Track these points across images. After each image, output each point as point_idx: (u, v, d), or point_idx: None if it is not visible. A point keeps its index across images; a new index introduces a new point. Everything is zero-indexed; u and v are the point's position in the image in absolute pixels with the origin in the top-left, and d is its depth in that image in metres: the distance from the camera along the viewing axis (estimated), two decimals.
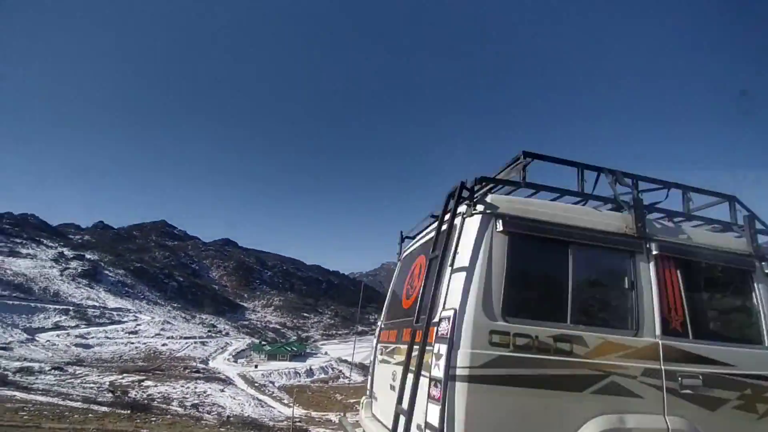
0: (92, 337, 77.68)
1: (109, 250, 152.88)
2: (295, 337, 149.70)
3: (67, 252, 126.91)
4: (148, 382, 48.72)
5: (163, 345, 79.77)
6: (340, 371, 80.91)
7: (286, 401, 57.38)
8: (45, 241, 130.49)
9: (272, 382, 67.96)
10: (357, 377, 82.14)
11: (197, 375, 60.09)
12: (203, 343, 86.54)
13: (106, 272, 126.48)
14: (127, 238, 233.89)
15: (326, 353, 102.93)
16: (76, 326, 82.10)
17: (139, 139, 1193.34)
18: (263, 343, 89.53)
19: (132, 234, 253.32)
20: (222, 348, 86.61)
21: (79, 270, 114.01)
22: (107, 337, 79.37)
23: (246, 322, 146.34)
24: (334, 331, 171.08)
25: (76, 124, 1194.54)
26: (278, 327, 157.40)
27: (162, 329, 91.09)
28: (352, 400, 63.65)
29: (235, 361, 77.93)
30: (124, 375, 51.02)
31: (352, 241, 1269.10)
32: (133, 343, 78.54)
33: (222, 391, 49.94)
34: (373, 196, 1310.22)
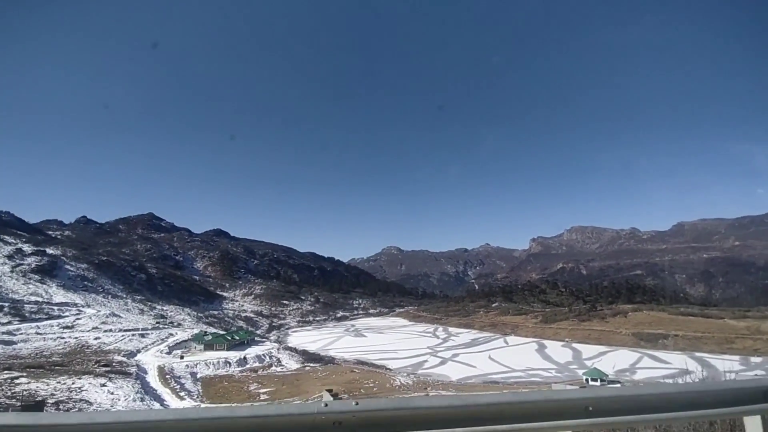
0: (21, 333, 75.63)
1: (77, 245, 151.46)
2: (267, 325, 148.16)
3: (26, 248, 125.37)
4: (22, 380, 46.15)
5: (96, 339, 77.51)
6: (278, 359, 78.22)
7: (188, 394, 54.77)
8: (5, 237, 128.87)
9: (194, 374, 65.34)
10: (294, 364, 79.84)
11: (104, 369, 57.49)
12: (143, 335, 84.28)
13: (68, 267, 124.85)
14: (110, 233, 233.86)
15: (278, 340, 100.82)
16: (8, 323, 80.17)
17: (127, 134, 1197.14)
18: (205, 332, 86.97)
19: (117, 228, 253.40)
20: (162, 339, 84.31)
21: (34, 265, 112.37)
22: (38, 333, 77.26)
23: (216, 312, 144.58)
24: (312, 318, 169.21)
25: (77, 125, 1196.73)
26: (252, 316, 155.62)
27: (103, 322, 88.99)
28: (264, 390, 61.09)
29: (169, 353, 75.46)
30: (4, 372, 48.37)
31: (352, 228, 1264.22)
32: (63, 338, 76.36)
33: (103, 385, 47.10)
34: (373, 183, 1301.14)
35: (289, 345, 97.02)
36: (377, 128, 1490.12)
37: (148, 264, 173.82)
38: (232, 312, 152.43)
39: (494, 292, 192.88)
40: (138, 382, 53.35)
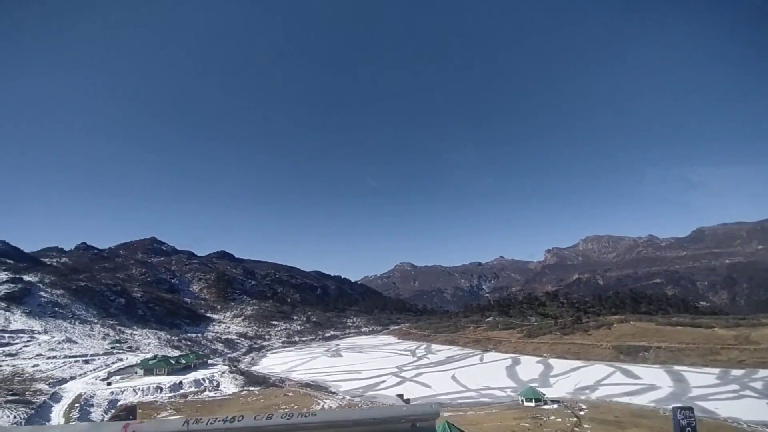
0: None
1: (57, 272, 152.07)
2: (247, 347, 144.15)
3: (3, 275, 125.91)
4: None
5: (34, 366, 75.00)
6: (218, 383, 73.95)
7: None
8: None
9: (114, 401, 61.70)
10: (233, 388, 75.31)
11: (10, 398, 54.46)
12: (87, 361, 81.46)
13: (42, 294, 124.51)
14: (108, 258, 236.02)
15: (228, 363, 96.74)
16: None
17: (132, 155, 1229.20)
18: (155, 356, 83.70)
19: (117, 253, 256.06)
20: (108, 365, 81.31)
21: (2, 293, 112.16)
22: None
23: (194, 335, 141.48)
24: (298, 338, 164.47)
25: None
26: (234, 338, 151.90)
27: (51, 349, 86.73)
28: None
29: (105, 379, 72.14)
30: None
31: (366, 246, 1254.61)
32: (0, 366, 74.22)
33: None
34: (385, 198, 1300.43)
35: (244, 368, 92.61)
36: (389, 146, 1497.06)
37: (137, 288, 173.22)
38: (212, 335, 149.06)
39: (489, 307, 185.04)
40: (30, 412, 49.95)
